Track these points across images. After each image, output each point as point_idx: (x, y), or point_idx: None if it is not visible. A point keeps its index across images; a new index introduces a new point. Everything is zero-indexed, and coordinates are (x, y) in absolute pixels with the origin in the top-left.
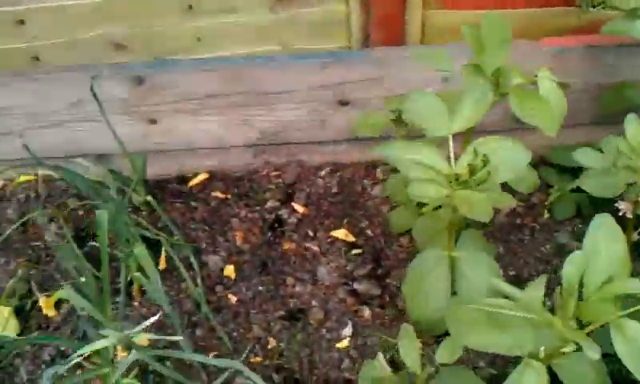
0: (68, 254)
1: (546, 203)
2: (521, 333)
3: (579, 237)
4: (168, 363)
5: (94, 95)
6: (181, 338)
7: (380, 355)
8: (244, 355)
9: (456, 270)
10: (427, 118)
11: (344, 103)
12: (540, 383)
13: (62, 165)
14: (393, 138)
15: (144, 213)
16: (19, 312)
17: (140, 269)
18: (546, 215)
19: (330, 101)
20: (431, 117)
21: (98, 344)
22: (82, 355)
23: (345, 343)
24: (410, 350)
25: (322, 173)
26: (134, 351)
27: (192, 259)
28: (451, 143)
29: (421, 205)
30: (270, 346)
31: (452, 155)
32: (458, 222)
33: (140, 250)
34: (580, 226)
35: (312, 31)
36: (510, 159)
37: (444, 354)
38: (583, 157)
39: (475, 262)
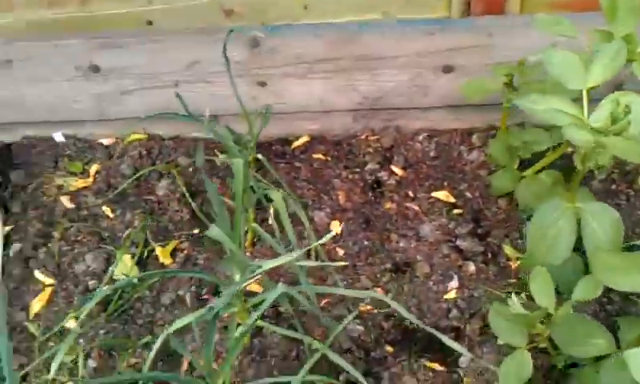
0: (214, 196)
1: None
2: None
3: None
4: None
5: (225, 56)
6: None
7: (514, 295)
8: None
9: (581, 220)
10: (564, 72)
11: (448, 70)
12: None
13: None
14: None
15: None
16: (137, 261)
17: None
18: None
19: (434, 67)
20: (567, 71)
21: (282, 259)
22: (251, 276)
23: (452, 295)
24: (543, 289)
25: (420, 138)
26: (280, 284)
27: (302, 213)
28: (585, 97)
29: (521, 168)
30: (379, 296)
31: (586, 108)
32: (583, 173)
33: (276, 194)
34: None
35: (413, 1)
36: None
37: (582, 292)
38: None
39: (599, 213)
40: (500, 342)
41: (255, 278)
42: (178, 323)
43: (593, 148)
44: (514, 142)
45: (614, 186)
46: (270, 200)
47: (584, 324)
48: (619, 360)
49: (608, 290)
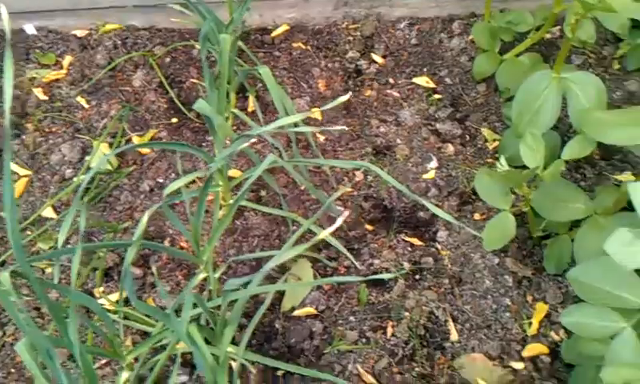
0: (205, 71)
1: (615, 56)
2: None
3: None
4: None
5: None
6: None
7: (502, 158)
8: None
9: (566, 90)
10: None
11: None
12: None
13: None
14: None
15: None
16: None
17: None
18: (616, 66)
19: None
20: None
21: (280, 122)
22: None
23: (431, 174)
24: (533, 150)
25: (401, 26)
26: (270, 154)
27: (283, 101)
28: None
29: (502, 52)
30: (357, 179)
31: None
32: (569, 46)
33: (264, 70)
34: None
35: None
36: None
37: (573, 151)
38: None
39: (584, 83)
40: (476, 217)
41: (248, 143)
42: (171, 186)
43: (583, 15)
44: (497, 22)
45: (590, 70)
46: (246, 89)
47: (566, 187)
48: (594, 220)
49: (580, 167)
